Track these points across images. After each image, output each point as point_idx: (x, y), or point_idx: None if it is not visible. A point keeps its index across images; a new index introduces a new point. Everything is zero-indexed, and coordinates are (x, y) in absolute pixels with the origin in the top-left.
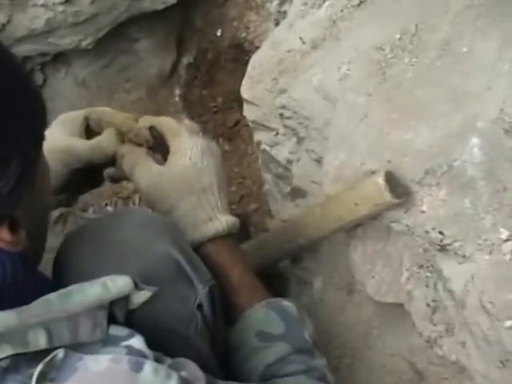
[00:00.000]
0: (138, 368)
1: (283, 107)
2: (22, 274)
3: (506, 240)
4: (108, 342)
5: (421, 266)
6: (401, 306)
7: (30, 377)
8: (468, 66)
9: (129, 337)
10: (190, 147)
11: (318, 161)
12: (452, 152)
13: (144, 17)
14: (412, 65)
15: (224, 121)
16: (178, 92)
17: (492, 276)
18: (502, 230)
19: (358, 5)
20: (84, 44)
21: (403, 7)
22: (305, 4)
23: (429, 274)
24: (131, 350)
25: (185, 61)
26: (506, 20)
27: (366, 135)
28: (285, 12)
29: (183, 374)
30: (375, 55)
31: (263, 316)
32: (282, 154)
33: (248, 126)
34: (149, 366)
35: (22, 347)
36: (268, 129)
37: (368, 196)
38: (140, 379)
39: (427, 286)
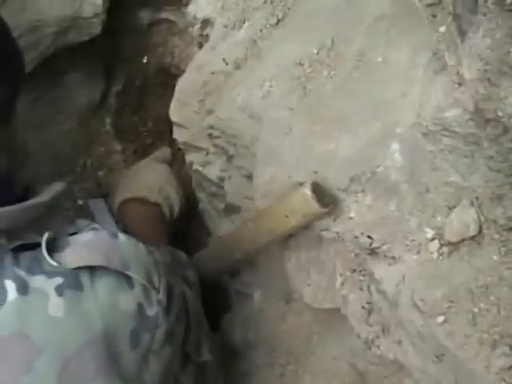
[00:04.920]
0: (114, 236)
1: (211, 127)
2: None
3: (432, 239)
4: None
5: (353, 271)
6: (338, 310)
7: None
8: (384, 75)
9: (90, 223)
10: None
11: (249, 177)
12: (374, 159)
13: (71, 49)
14: (331, 77)
15: (156, 145)
16: (108, 120)
17: (421, 275)
18: (427, 229)
19: (276, 23)
20: None
21: (319, 23)
22: (225, 26)
23: (362, 278)
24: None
25: (114, 89)
26: (416, 29)
27: (291, 149)
28: (207, 35)
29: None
30: (295, 71)
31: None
32: (213, 172)
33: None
34: (121, 235)
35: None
36: (198, 149)
37: (297, 208)
38: (119, 243)
39: (361, 290)
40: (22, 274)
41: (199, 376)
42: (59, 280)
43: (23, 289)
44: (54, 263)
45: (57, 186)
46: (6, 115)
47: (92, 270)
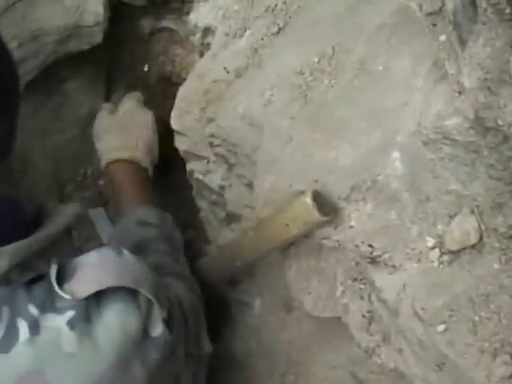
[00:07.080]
0: (120, 252)
1: (212, 136)
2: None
3: (433, 247)
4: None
5: (354, 279)
6: (338, 319)
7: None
8: (385, 84)
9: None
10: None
11: (249, 185)
12: (375, 167)
13: (72, 57)
14: (332, 86)
15: None
16: None
17: (422, 283)
18: (428, 238)
19: (277, 32)
20: None
21: (320, 32)
22: (226, 35)
23: (362, 286)
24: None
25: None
26: (417, 38)
27: (292, 157)
28: (208, 44)
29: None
30: (296, 79)
31: (145, 210)
32: (214, 181)
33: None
34: (125, 251)
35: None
36: (199, 158)
37: (297, 216)
38: (125, 259)
39: (362, 298)
40: (34, 311)
41: (197, 367)
42: (71, 313)
43: (35, 327)
44: (67, 296)
45: (69, 210)
46: (6, 151)
47: (99, 296)
